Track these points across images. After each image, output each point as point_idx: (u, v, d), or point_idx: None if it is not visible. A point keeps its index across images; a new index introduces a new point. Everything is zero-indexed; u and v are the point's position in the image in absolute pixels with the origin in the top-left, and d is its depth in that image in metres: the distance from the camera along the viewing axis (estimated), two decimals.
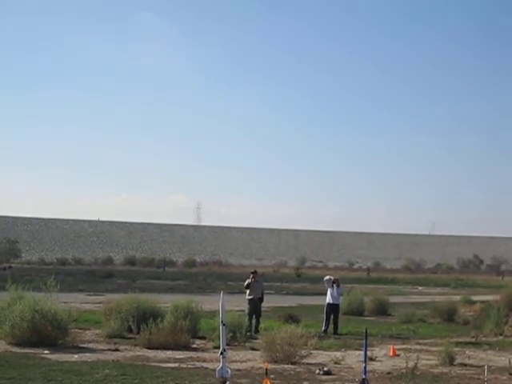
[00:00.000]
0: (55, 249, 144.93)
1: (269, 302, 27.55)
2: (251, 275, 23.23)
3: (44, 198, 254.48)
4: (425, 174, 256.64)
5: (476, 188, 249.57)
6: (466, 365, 16.47)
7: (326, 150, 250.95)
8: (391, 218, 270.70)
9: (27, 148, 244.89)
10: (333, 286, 23.88)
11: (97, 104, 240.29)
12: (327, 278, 24.68)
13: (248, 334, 20.55)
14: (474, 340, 21.30)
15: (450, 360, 16.40)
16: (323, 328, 23.14)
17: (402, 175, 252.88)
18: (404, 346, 19.76)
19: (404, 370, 14.89)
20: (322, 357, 17.14)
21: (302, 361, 16.02)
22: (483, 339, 21.74)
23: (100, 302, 27.37)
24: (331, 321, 23.46)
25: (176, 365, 15.28)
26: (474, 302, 34.49)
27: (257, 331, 21.40)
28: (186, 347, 18.00)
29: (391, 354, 17.96)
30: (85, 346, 18.21)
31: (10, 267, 71.40)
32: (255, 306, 22.75)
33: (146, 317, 19.32)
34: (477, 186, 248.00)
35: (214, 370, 12.31)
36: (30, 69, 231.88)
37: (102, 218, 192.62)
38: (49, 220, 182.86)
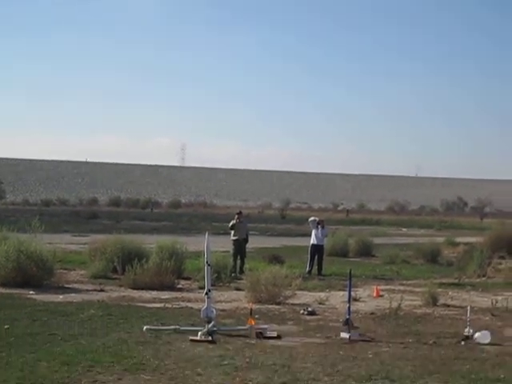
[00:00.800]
0: (39, 190, 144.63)
1: (253, 243, 27.60)
2: (236, 216, 23.24)
3: (30, 139, 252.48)
4: (411, 117, 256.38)
5: (461, 131, 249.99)
6: (448, 305, 16.59)
7: (310, 97, 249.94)
8: (377, 160, 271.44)
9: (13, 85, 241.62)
10: (317, 227, 23.91)
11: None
12: (312, 219, 24.71)
13: (233, 274, 20.61)
14: (457, 281, 21.44)
15: (433, 301, 16.51)
16: (307, 269, 23.21)
17: (389, 119, 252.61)
18: (388, 287, 19.89)
19: (387, 311, 15.00)
20: (306, 297, 17.22)
21: (287, 301, 16.08)
22: (466, 280, 21.88)
23: (85, 243, 27.33)
24: (315, 262, 23.54)
25: (161, 305, 15.32)
26: (458, 244, 34.74)
27: (241, 272, 21.46)
28: (171, 288, 18.05)
29: (375, 294, 18.08)
30: (70, 286, 18.22)
31: None
32: (240, 247, 22.81)
33: (130, 257, 19.29)
34: (462, 129, 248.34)
35: (199, 310, 12.36)
36: None
37: (89, 159, 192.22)
38: (33, 161, 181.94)
